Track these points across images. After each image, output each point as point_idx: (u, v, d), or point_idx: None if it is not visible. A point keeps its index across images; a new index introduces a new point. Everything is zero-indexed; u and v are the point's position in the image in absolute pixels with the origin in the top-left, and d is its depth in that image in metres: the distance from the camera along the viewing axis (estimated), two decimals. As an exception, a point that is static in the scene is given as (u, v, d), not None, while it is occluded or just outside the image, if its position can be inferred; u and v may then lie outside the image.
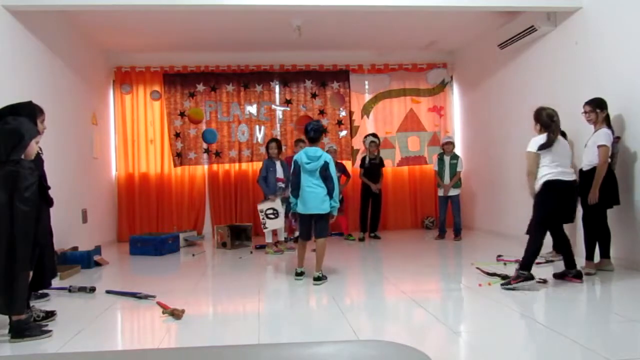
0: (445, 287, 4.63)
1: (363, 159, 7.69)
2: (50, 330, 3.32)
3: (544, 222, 4.31)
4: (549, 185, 4.26)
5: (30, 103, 3.49)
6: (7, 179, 3.09)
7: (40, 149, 3.52)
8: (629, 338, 3.06)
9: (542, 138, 4.32)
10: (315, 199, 4.74)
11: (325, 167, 4.75)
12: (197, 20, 6.65)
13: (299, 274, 4.88)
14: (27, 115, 3.55)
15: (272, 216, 6.37)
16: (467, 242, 7.00)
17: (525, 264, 4.22)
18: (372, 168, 7.58)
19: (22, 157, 3.21)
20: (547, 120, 4.35)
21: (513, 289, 4.12)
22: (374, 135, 7.86)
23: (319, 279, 4.68)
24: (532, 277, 4.18)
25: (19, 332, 3.20)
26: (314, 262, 4.80)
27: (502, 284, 4.25)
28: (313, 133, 4.88)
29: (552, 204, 4.28)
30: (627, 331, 3.17)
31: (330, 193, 4.76)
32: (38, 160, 3.48)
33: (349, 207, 8.14)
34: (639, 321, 3.29)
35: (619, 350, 2.76)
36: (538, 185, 4.31)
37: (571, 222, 4.45)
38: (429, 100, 8.77)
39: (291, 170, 4.96)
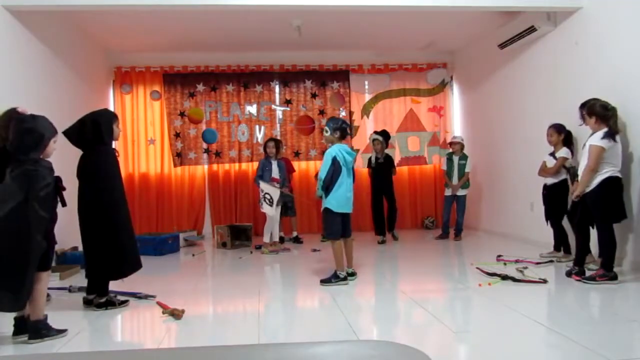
0: (445, 287, 4.64)
1: (369, 160, 7.33)
2: (66, 330, 3.31)
3: (610, 217, 4.28)
4: (614, 181, 4.25)
5: (106, 110, 3.73)
6: (25, 178, 3.07)
7: None
8: (629, 338, 3.06)
9: (603, 132, 4.25)
10: (351, 197, 4.71)
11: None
12: (197, 20, 6.65)
13: (350, 275, 4.73)
14: (105, 120, 3.87)
15: (267, 201, 6.31)
16: (468, 242, 7.00)
17: (609, 263, 4.21)
18: (379, 169, 7.10)
19: (41, 156, 3.21)
20: (603, 111, 4.27)
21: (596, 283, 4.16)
22: (378, 132, 7.32)
23: (352, 274, 4.74)
24: (616, 277, 4.20)
25: (36, 332, 3.18)
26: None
27: (584, 278, 4.25)
28: (349, 129, 4.97)
29: (614, 200, 4.28)
30: (627, 331, 3.17)
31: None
32: None
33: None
34: (639, 321, 3.29)
35: (619, 350, 2.77)
36: (597, 181, 4.25)
37: (625, 218, 4.41)
38: (428, 100, 8.76)
39: (328, 169, 4.58)
